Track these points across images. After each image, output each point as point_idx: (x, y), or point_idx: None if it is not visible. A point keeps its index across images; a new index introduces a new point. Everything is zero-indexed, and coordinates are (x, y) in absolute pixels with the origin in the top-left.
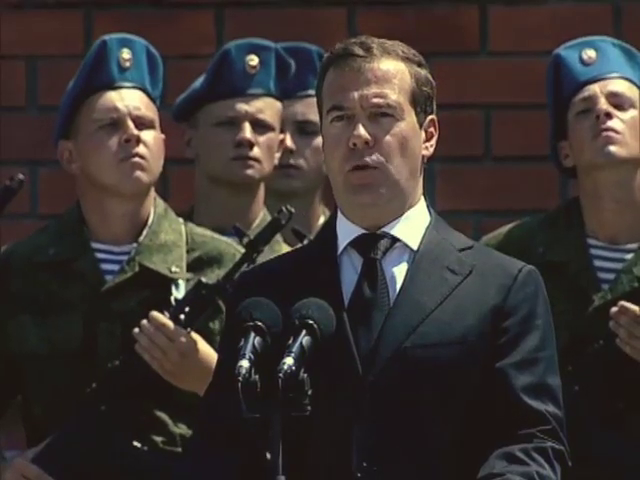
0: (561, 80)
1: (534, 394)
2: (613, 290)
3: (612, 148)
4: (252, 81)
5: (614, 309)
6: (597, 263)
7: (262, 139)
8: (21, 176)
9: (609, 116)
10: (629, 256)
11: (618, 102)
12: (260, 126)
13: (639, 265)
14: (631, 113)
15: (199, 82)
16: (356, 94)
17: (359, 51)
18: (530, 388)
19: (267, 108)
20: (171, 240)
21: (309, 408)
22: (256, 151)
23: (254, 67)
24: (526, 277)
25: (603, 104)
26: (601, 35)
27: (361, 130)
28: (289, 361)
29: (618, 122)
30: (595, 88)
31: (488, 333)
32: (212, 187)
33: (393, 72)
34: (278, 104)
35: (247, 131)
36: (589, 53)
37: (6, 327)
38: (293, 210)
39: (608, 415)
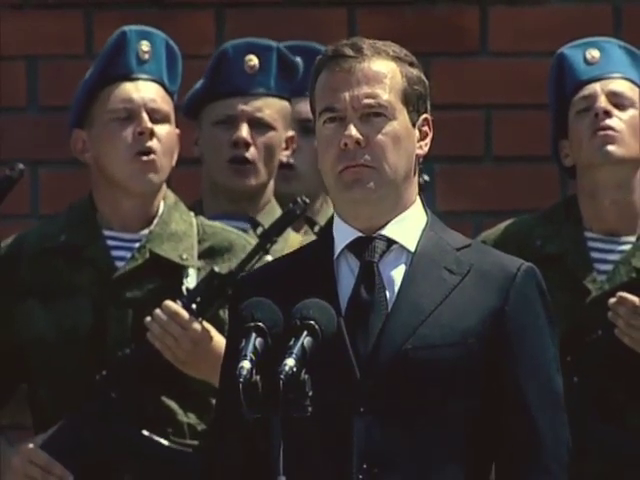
0: (564, 79)
1: (542, 410)
2: (610, 281)
3: (610, 147)
4: (253, 81)
5: (612, 300)
6: (594, 255)
7: (261, 139)
8: (21, 165)
9: (608, 114)
10: (626, 247)
11: (618, 101)
12: (259, 125)
13: (637, 256)
14: (631, 112)
15: (200, 82)
16: (347, 95)
17: (349, 52)
18: (538, 396)
19: (267, 107)
20: (182, 230)
21: (310, 409)
22: (252, 152)
23: (253, 67)
24: (524, 276)
25: (602, 102)
26: (601, 36)
27: (352, 130)
28: (290, 362)
29: (617, 121)
30: (596, 87)
31: (489, 335)
32: (215, 188)
33: (384, 72)
34: (282, 103)
35: (244, 130)
36: (593, 53)
37: (14, 312)
38: (308, 201)
39: (607, 406)
